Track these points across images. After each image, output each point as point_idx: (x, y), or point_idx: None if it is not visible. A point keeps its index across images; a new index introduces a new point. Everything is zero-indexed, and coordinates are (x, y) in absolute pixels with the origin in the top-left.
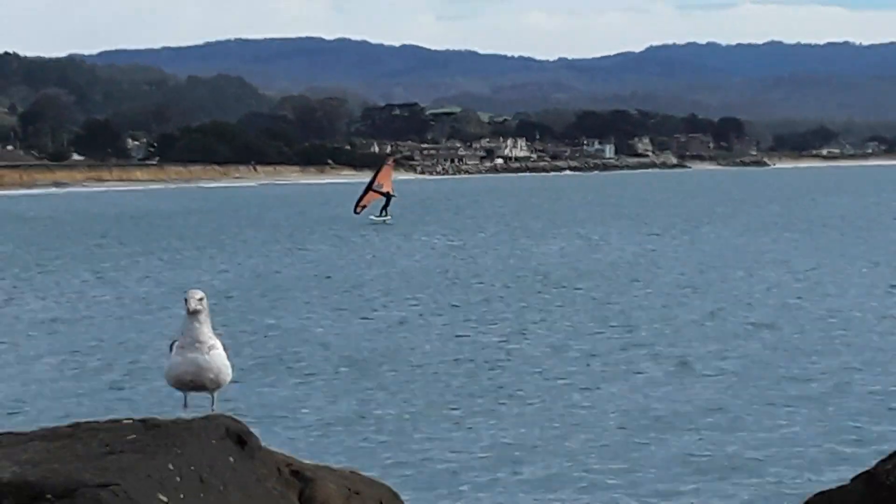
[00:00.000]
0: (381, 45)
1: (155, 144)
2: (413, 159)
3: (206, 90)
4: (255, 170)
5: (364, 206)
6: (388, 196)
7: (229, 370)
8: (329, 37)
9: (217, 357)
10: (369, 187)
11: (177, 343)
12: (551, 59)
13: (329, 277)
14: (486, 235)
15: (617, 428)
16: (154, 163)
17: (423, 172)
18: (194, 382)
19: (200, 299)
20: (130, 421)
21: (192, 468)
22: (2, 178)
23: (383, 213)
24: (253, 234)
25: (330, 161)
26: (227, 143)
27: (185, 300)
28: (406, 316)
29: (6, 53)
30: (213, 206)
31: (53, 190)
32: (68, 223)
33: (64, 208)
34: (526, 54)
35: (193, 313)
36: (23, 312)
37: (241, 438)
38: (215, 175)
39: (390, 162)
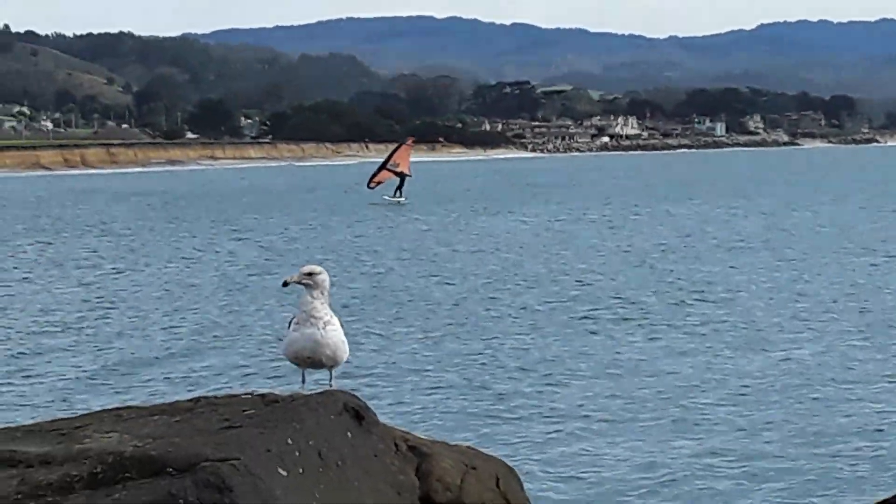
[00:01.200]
0: (492, 24)
1: (268, 123)
2: (524, 137)
3: (318, 69)
4: (367, 148)
5: (378, 183)
6: (402, 176)
7: (346, 347)
8: (440, 15)
9: (334, 334)
10: (384, 165)
11: (294, 319)
12: (662, 36)
13: (436, 247)
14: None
15: (733, 400)
16: (267, 141)
17: (533, 150)
18: (311, 359)
19: (316, 274)
20: (249, 396)
21: (311, 443)
22: (117, 156)
23: (397, 193)
24: (364, 210)
25: (441, 139)
26: (338, 122)
27: (304, 275)
28: (517, 286)
29: (121, 33)
30: (324, 182)
31: (167, 168)
32: (182, 199)
33: (178, 185)
34: (636, 32)
35: (309, 287)
36: (140, 283)
37: (358, 413)
38: (327, 153)
39: (409, 142)
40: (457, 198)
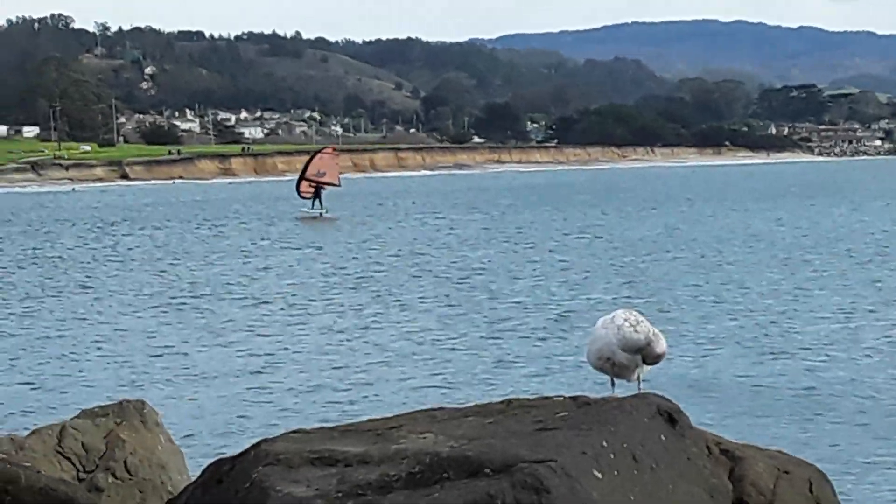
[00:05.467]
0: (778, 27)
1: (553, 127)
2: (810, 141)
3: (604, 73)
4: (653, 152)
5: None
6: (318, 187)
7: (660, 346)
8: (726, 19)
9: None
10: (302, 177)
11: (604, 318)
12: None
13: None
14: None
15: None
16: (552, 145)
17: (820, 154)
18: (611, 360)
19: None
20: (561, 398)
21: (625, 446)
22: (405, 160)
23: (315, 205)
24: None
25: (727, 142)
26: (624, 125)
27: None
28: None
29: (409, 39)
30: (602, 183)
31: (454, 171)
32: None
33: (464, 185)
34: None
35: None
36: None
37: (671, 417)
38: (612, 157)
39: (329, 150)
40: None
